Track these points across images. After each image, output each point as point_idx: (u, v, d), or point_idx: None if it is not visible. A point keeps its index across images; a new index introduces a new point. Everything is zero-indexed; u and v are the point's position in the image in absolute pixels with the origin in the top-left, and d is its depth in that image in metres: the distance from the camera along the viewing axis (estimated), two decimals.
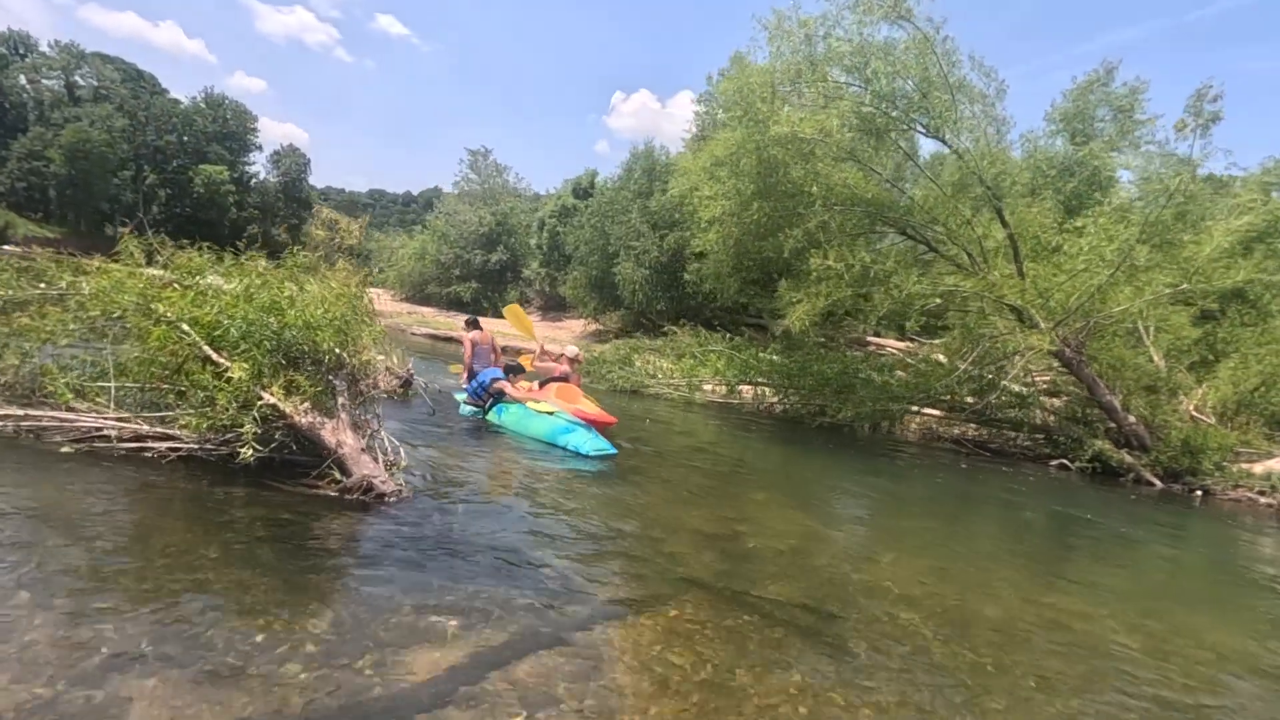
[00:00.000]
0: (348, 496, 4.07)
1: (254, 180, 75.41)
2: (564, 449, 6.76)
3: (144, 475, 4.07)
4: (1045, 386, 12.89)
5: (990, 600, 4.22)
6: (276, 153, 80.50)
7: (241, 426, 4.01)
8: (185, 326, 4.33)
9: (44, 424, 4.27)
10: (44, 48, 61.96)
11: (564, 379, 8.91)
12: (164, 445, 4.17)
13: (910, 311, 9.65)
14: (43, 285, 4.95)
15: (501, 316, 28.61)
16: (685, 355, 14.85)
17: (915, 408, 12.18)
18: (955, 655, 3.35)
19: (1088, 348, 10.87)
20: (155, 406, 4.67)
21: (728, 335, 15.65)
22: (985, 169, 10.39)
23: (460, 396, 8.13)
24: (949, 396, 11.87)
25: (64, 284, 4.77)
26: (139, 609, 2.68)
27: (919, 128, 10.75)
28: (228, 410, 4.04)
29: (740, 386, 13.58)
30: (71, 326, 4.86)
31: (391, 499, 4.13)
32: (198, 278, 4.69)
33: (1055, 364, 11.62)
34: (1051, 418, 11.83)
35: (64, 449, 4.14)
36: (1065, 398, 12.36)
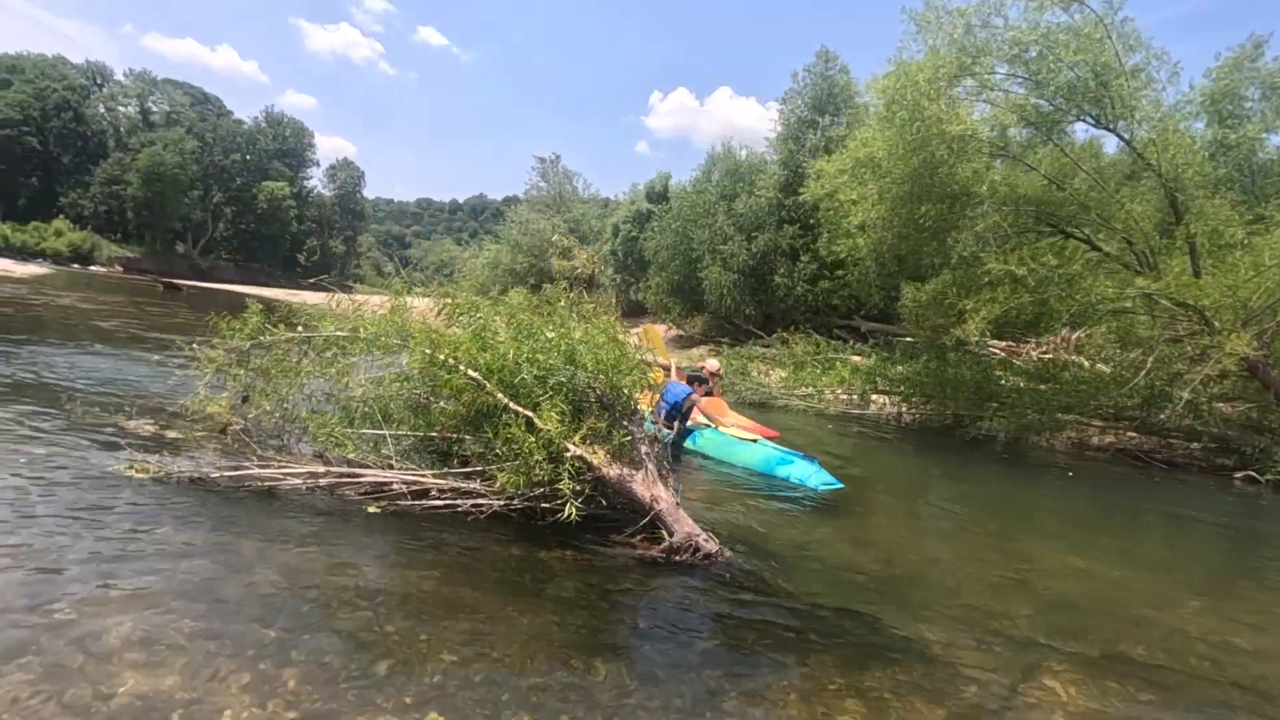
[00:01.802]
0: (677, 558, 3.73)
1: (311, 194, 77.68)
2: (784, 481, 6.35)
3: (451, 537, 3.79)
4: (1214, 392, 11.97)
5: None
6: (332, 167, 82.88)
7: (553, 481, 3.72)
8: (473, 373, 4.07)
9: (339, 480, 4.05)
10: (119, 77, 64.85)
11: (708, 394, 8.58)
12: (468, 503, 3.90)
13: (1096, 317, 8.95)
14: (299, 328, 4.77)
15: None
16: (805, 364, 14.32)
17: (1072, 416, 11.43)
18: None
19: (1273, 350, 10.00)
20: (437, 458, 4.44)
21: (852, 343, 15.06)
22: (1165, 162, 9.61)
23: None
24: (1114, 405, 11.10)
25: (331, 329, 4.57)
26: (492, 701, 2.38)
27: (1087, 119, 10.02)
28: (542, 465, 3.75)
29: (872, 396, 13.02)
30: (331, 373, 4.67)
31: (718, 559, 3.78)
32: (474, 317, 4.43)
33: (1231, 369, 10.74)
34: (1225, 425, 10.94)
35: (370, 509, 3.91)
36: (1240, 404, 11.42)
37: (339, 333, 4.51)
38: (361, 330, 4.45)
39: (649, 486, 3.88)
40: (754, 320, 22.61)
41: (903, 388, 12.98)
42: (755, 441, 6.81)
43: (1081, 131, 11.99)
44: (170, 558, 3.14)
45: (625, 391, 4.09)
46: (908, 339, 20.89)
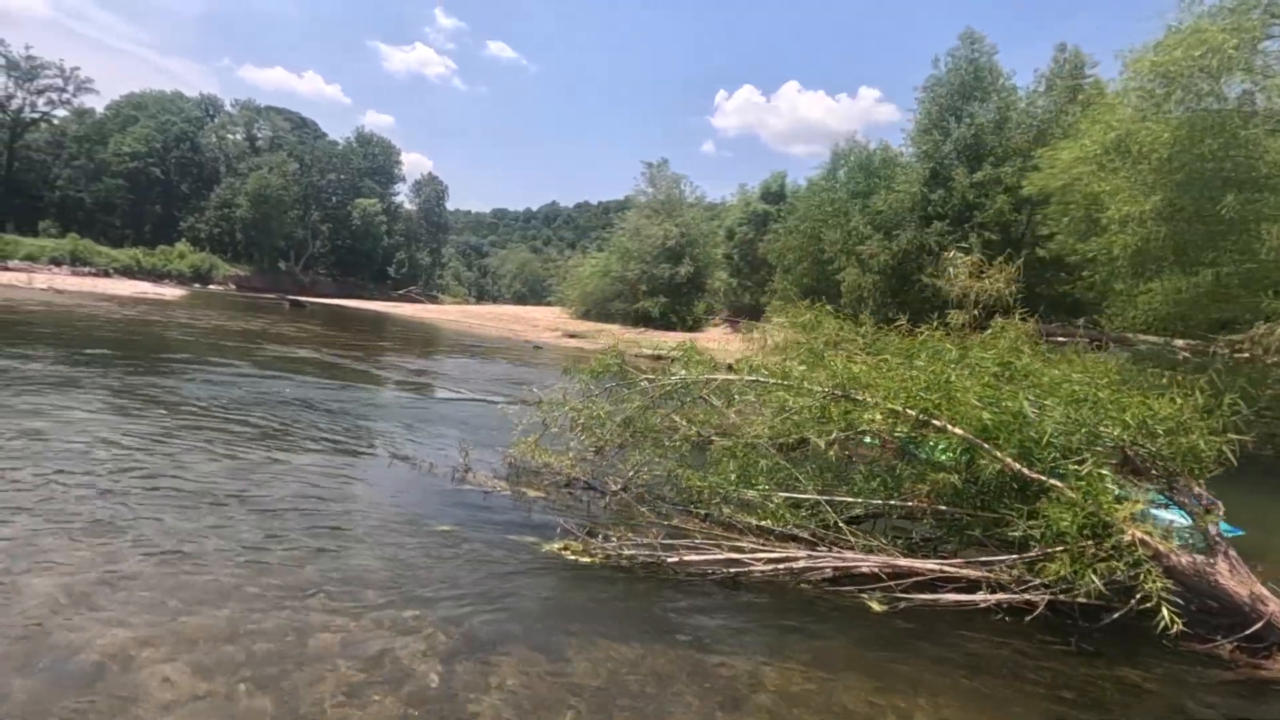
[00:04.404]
0: None
1: (399, 209, 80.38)
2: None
3: (976, 645, 3.00)
4: None
5: None
6: (417, 182, 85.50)
7: (1133, 576, 2.88)
8: (957, 429, 3.28)
9: (812, 565, 3.35)
10: (228, 107, 68.92)
11: None
12: (993, 597, 3.11)
13: None
14: (680, 370, 4.13)
15: (692, 330, 27.81)
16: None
17: None
18: None
19: None
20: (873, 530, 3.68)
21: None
22: None
23: None
24: None
25: (746, 375, 3.90)
26: None
27: None
28: (1100, 552, 2.92)
29: None
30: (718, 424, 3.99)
31: None
32: (951, 365, 3.65)
33: None
34: None
35: (874, 606, 3.18)
36: None
37: (765, 379, 3.81)
38: (785, 379, 3.73)
39: (1245, 583, 2.98)
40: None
41: None
42: None
43: None
44: (660, 684, 2.48)
45: (1179, 456, 3.21)
46: (1060, 339, 19.00)
